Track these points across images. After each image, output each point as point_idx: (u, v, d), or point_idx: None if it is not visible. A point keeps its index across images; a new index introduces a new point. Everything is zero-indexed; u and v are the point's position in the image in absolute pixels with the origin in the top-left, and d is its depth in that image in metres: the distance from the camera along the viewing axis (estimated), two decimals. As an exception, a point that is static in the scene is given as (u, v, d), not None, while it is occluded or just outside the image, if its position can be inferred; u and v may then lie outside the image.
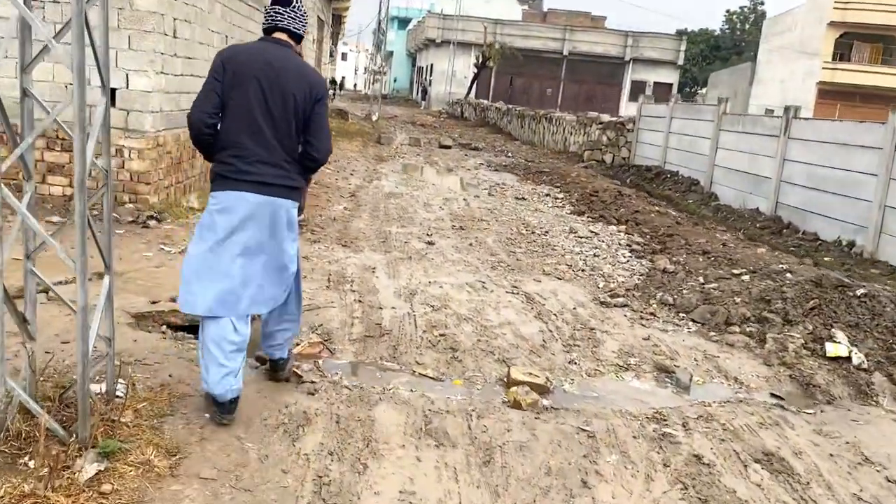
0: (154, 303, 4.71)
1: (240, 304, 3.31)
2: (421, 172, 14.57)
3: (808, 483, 3.34)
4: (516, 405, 3.84)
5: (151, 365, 3.79)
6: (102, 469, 2.81)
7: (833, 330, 5.32)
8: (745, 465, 3.45)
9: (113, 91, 6.78)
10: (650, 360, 4.90)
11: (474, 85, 42.74)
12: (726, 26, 69.52)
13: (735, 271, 6.84)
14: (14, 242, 2.90)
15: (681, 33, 55.71)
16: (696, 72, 63.15)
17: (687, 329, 5.62)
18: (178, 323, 4.59)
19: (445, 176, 14.33)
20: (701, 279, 6.70)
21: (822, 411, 4.29)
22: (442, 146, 20.14)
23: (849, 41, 39.39)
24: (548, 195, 12.44)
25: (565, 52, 47.24)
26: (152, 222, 6.82)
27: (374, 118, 27.01)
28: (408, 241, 7.76)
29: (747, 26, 66.62)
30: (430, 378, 4.23)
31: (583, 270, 7.20)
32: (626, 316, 5.81)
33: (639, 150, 18.15)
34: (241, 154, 3.28)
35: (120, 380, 3.44)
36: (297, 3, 3.52)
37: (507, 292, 6.12)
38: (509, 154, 19.76)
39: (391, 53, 63.04)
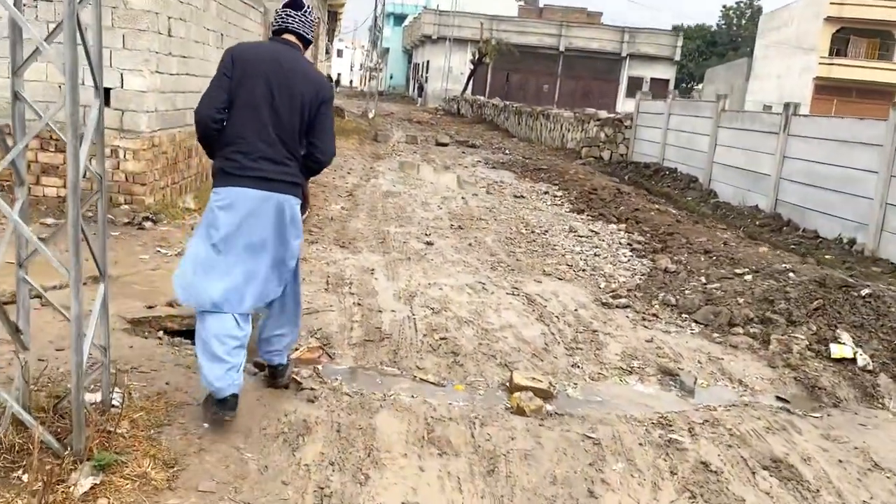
0: (150, 307, 4.63)
1: (244, 300, 3.30)
2: (418, 170, 14.49)
3: (817, 490, 3.28)
4: (520, 411, 3.78)
5: (148, 372, 3.72)
6: (98, 483, 2.74)
7: (837, 331, 5.26)
8: (754, 472, 3.39)
9: (107, 91, 6.69)
10: (654, 362, 4.84)
11: (471, 81, 42.63)
12: (722, 22, 69.47)
13: (737, 271, 6.78)
14: (8, 246, 2.82)
15: (677, 29, 55.69)
16: (693, 67, 63.10)
17: (690, 330, 5.57)
18: (175, 328, 4.52)
19: (443, 174, 14.25)
20: (703, 279, 6.64)
21: (828, 415, 4.23)
22: (439, 143, 20.06)
23: (845, 36, 39.40)
24: (546, 193, 12.38)
25: (562, 48, 47.13)
26: (148, 224, 6.74)
27: (371, 115, 26.92)
28: (406, 242, 7.69)
29: (743, 21, 66.58)
30: (432, 383, 4.17)
31: (583, 270, 7.14)
32: (628, 317, 5.75)
33: (637, 146, 18.08)
34: (245, 150, 3.28)
35: (116, 389, 3.37)
36: (308, 8, 3.56)
37: (507, 294, 6.06)
38: (507, 151, 19.69)
39: (387, 50, 62.89)
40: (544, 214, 10.16)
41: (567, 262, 7.39)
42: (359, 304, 5.34)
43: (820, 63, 38.47)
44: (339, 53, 72.87)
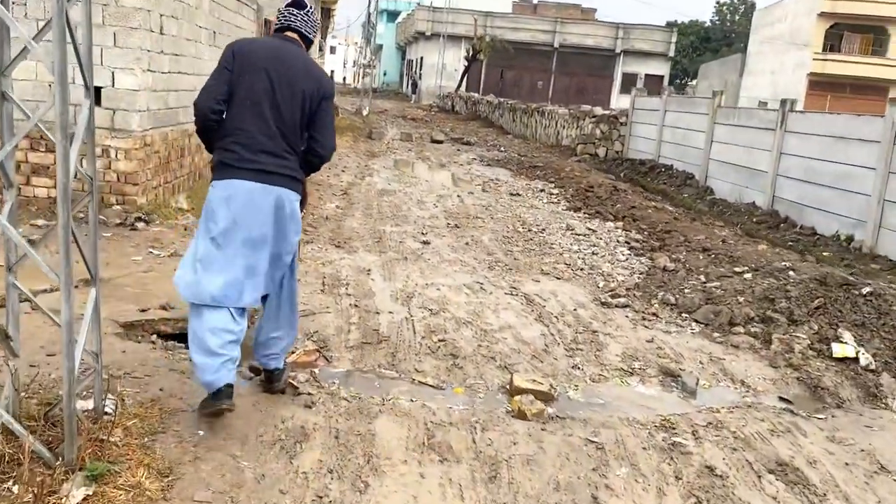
0: (143, 310, 4.55)
1: (243, 295, 3.29)
2: (413, 168, 14.41)
3: (824, 495, 3.23)
4: (521, 415, 3.72)
5: (141, 378, 3.64)
6: (91, 493, 2.67)
7: (839, 330, 5.22)
8: (759, 477, 3.34)
9: (98, 90, 6.59)
10: (655, 363, 4.79)
11: (465, 78, 42.53)
12: (716, 18, 69.50)
13: (737, 269, 6.73)
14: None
15: (671, 25, 55.66)
16: (687, 63, 63.11)
17: (690, 330, 5.51)
18: (169, 331, 4.44)
19: (438, 172, 14.17)
20: (702, 278, 6.59)
21: (833, 416, 4.19)
22: (434, 141, 19.97)
23: (839, 32, 39.44)
24: (542, 191, 12.32)
25: (556, 45, 47.07)
26: (140, 224, 6.65)
27: (365, 112, 26.80)
28: (402, 241, 7.62)
29: (737, 17, 66.62)
30: (431, 386, 4.10)
31: (581, 269, 7.08)
32: (627, 317, 5.70)
33: (632, 143, 18.03)
34: (245, 142, 3.27)
35: (108, 395, 3.29)
36: (310, 8, 3.57)
37: (505, 293, 5.99)
38: (502, 148, 19.63)
39: (380, 47, 62.68)
40: (541, 212, 10.10)
41: (565, 261, 7.33)
42: (356, 306, 5.27)
43: (814, 59, 38.51)
44: (333, 50, 72.60)
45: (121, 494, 2.68)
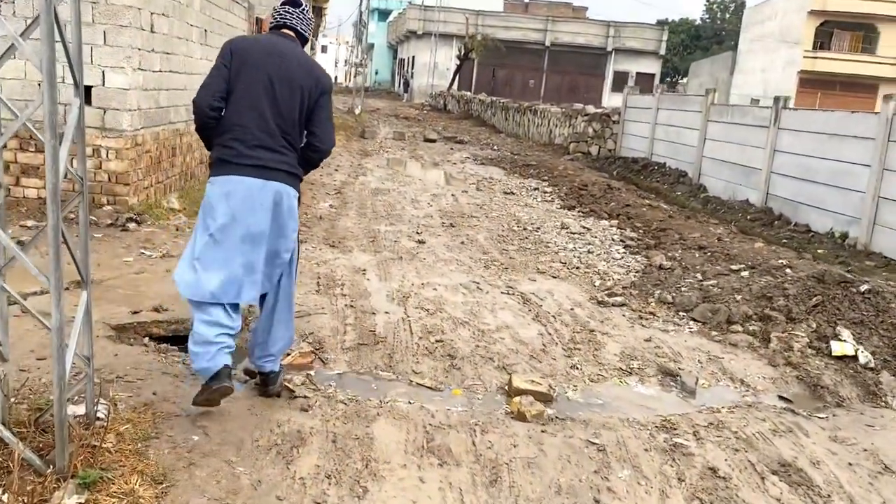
0: (135, 312, 4.48)
1: (242, 292, 3.30)
2: (406, 167, 14.35)
3: (829, 496, 3.20)
4: (520, 417, 3.67)
5: (134, 382, 3.57)
6: (83, 501, 2.61)
7: (838, 328, 5.19)
8: (763, 478, 3.30)
9: (88, 89, 6.50)
10: (653, 362, 4.75)
11: (457, 77, 42.46)
12: (707, 15, 69.63)
13: (733, 267, 6.70)
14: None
15: (662, 23, 55.75)
16: (678, 61, 63.20)
17: (688, 329, 5.48)
18: (162, 334, 4.37)
19: (432, 170, 14.12)
20: (699, 276, 6.56)
21: (833, 415, 4.15)
22: (427, 140, 19.91)
23: (829, 30, 39.57)
24: (536, 189, 12.28)
25: (547, 43, 47.06)
26: (132, 225, 6.56)
27: (357, 111, 26.71)
28: (398, 240, 7.56)
29: (727, 15, 66.76)
30: (429, 388, 4.05)
31: (577, 268, 7.04)
32: (625, 316, 5.66)
33: (625, 141, 18.01)
34: (243, 138, 3.27)
35: (100, 400, 3.22)
36: (305, 6, 3.59)
37: (502, 293, 5.94)
38: (495, 147, 19.58)
39: (372, 46, 62.53)
40: (535, 211, 10.06)
41: (560, 260, 7.28)
42: (351, 306, 5.21)
43: (804, 56, 38.62)
44: (324, 49, 72.40)
45: (114, 502, 2.61)
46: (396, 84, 56.90)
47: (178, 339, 4.28)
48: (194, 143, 8.71)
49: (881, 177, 8.77)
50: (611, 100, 42.25)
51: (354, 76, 34.17)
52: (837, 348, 4.97)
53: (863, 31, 39.56)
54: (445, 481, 3.03)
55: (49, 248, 2.62)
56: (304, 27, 3.54)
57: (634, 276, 6.90)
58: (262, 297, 3.56)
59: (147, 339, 4.27)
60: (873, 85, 38.35)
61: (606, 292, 6.23)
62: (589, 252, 7.73)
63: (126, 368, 3.71)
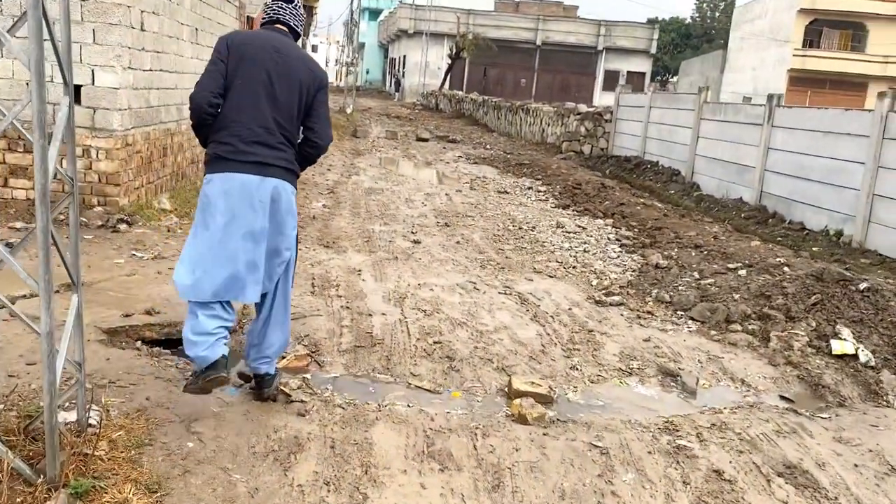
0: (127, 316, 4.39)
1: (245, 290, 3.26)
2: (399, 166, 14.27)
3: (836, 498, 3.15)
4: (522, 419, 3.61)
5: (126, 387, 3.49)
6: (75, 512, 2.53)
7: (837, 326, 5.16)
8: (769, 480, 3.25)
9: (78, 88, 6.41)
10: (653, 362, 4.70)
11: (448, 76, 42.39)
12: (696, 14, 69.78)
13: (730, 266, 6.67)
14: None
15: (652, 22, 55.83)
16: (668, 60, 63.31)
17: (687, 328, 5.43)
18: (154, 337, 4.29)
19: (425, 170, 14.05)
20: (696, 274, 6.52)
21: (836, 415, 4.11)
22: (419, 139, 19.83)
23: (818, 28, 39.73)
24: (530, 188, 12.23)
25: (538, 42, 47.06)
26: (123, 226, 6.47)
27: (349, 111, 26.60)
28: (392, 240, 7.49)
29: (717, 14, 66.91)
30: (427, 391, 3.98)
31: (574, 267, 6.99)
32: (623, 315, 5.61)
33: (617, 140, 18.00)
34: (241, 134, 3.22)
35: (92, 406, 3.14)
36: (297, 1, 3.55)
37: (499, 293, 5.88)
38: (487, 146, 19.53)
39: (363, 45, 62.42)
40: (530, 210, 10.00)
41: (557, 259, 7.23)
42: (347, 308, 5.13)
43: (794, 55, 38.76)
44: (314, 49, 72.17)
45: (107, 512, 2.54)
46: (387, 83, 56.77)
47: (171, 343, 4.20)
48: (185, 143, 8.61)
49: (876, 174, 8.77)
50: (602, 98, 42.31)
51: (346, 75, 34.02)
52: (838, 347, 4.94)
53: (852, 30, 39.74)
54: (447, 487, 2.97)
55: (38, 250, 2.54)
56: (296, 22, 3.51)
57: (631, 275, 6.86)
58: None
59: (139, 342, 4.18)
60: (862, 83, 38.54)
61: (604, 292, 6.18)
62: (585, 251, 7.69)
63: (118, 373, 3.63)
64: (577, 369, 4.46)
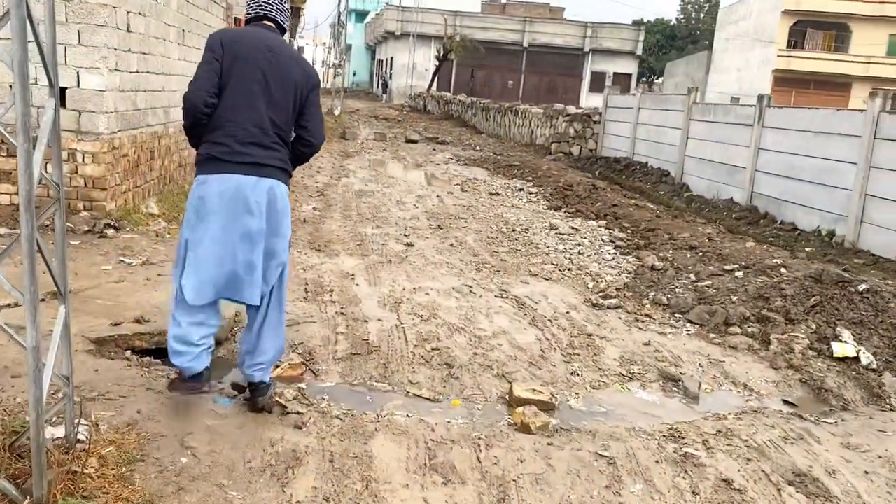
0: (116, 325, 4.25)
1: (243, 290, 3.23)
2: (390, 168, 14.16)
3: (848, 507, 3.08)
4: (524, 428, 3.52)
5: (116, 400, 3.37)
6: (64, 534, 2.41)
7: (837, 328, 5.11)
8: (779, 489, 3.18)
9: (63, 90, 6.25)
10: (654, 367, 4.63)
11: (436, 78, 42.31)
12: (681, 15, 70.10)
13: (727, 267, 6.62)
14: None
15: (637, 23, 56.00)
16: (653, 61, 63.55)
17: (686, 331, 5.37)
18: (144, 347, 4.16)
19: (415, 171, 13.95)
20: (692, 276, 6.46)
21: (842, 420, 4.05)
22: (408, 140, 19.72)
23: (802, 29, 40.01)
24: (521, 190, 12.16)
25: (525, 44, 47.08)
26: (110, 231, 6.32)
27: (337, 112, 26.45)
28: (385, 243, 7.39)
29: (702, 15, 67.25)
30: (427, 399, 3.89)
31: (569, 270, 6.91)
32: (620, 319, 5.53)
33: (606, 141, 17.98)
34: (236, 134, 3.16)
35: (81, 421, 3.02)
36: None
37: (495, 297, 5.80)
38: (477, 148, 19.46)
39: (350, 47, 62.23)
40: (522, 212, 9.93)
41: (552, 262, 7.15)
42: (342, 314, 5.03)
43: (778, 55, 39.01)
44: (301, 51, 71.89)
45: (98, 534, 2.42)
46: (375, 85, 56.62)
47: (162, 352, 4.05)
48: (173, 146, 8.47)
49: (868, 174, 8.76)
50: (588, 100, 42.37)
51: (334, 77, 33.85)
52: (839, 350, 4.89)
53: (835, 30, 40.05)
54: (451, 501, 2.87)
55: (23, 259, 2.42)
56: (283, 18, 3.45)
57: (627, 277, 6.79)
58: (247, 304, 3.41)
59: (129, 352, 4.05)
60: (846, 83, 38.86)
61: (600, 294, 6.11)
62: (579, 253, 7.61)
63: (107, 385, 3.51)
64: (577, 375, 4.38)
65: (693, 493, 3.10)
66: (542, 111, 20.53)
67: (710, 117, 13.01)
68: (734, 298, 5.76)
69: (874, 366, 4.74)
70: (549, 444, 3.38)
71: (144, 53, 7.26)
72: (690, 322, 5.54)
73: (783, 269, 6.18)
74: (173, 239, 5.88)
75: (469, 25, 45.37)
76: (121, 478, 2.74)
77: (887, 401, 4.40)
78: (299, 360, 4.17)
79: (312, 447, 3.15)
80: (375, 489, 2.90)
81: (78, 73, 6.34)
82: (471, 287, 5.98)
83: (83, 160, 6.47)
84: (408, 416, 3.60)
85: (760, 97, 11.50)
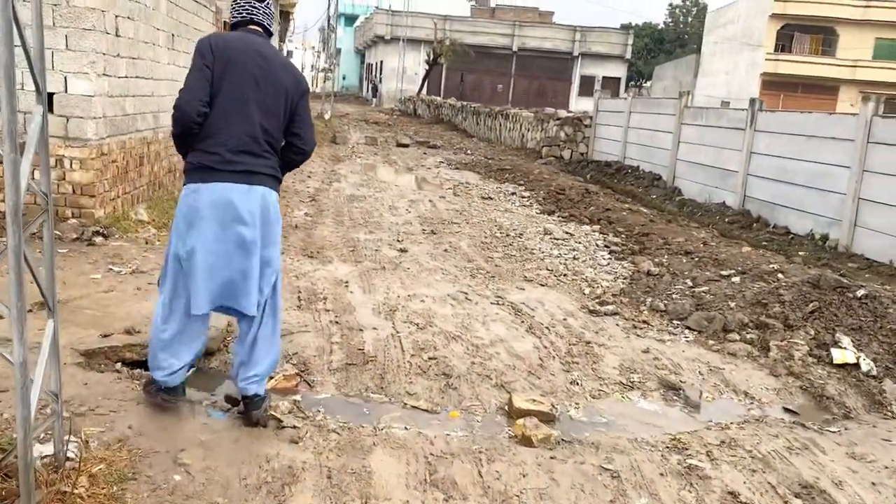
0: (106, 336, 4.15)
1: (240, 298, 3.21)
2: (381, 172, 14.08)
3: (857, 519, 3.03)
4: (526, 441, 3.44)
5: (107, 415, 3.27)
6: (53, 558, 2.32)
7: (837, 335, 5.07)
8: (786, 502, 3.12)
9: (50, 96, 6.14)
10: (653, 375, 4.57)
11: (426, 82, 42.28)
12: (669, 20, 70.38)
13: (723, 272, 6.58)
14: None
15: (626, 27, 56.20)
16: (642, 65, 63.75)
17: (684, 338, 5.32)
18: (135, 358, 4.05)
19: (407, 176, 13.87)
20: (689, 282, 6.42)
21: (846, 429, 4.00)
22: (399, 145, 19.66)
23: (790, 32, 40.26)
24: (513, 194, 12.10)
25: (515, 48, 47.16)
26: (99, 239, 6.21)
27: (327, 116, 26.35)
28: (378, 249, 7.30)
29: (690, 19, 67.55)
30: (424, 411, 3.80)
31: (564, 275, 6.85)
32: (618, 325, 5.48)
33: (597, 145, 17.98)
34: (228, 143, 3.11)
35: (71, 437, 2.92)
36: (268, 0, 3.42)
37: (491, 303, 5.72)
38: (468, 151, 19.41)
39: (339, 51, 62.12)
40: (516, 216, 9.87)
41: (547, 267, 7.09)
42: (336, 322, 4.94)
43: (766, 59, 39.22)
44: (290, 55, 71.66)
45: (88, 558, 2.33)
46: (364, 89, 56.55)
47: (153, 364, 3.97)
48: (162, 152, 8.36)
49: (861, 178, 8.76)
50: (578, 104, 42.47)
51: (324, 81, 33.75)
52: (838, 356, 4.85)
53: (822, 34, 40.30)
54: (453, 518, 2.79)
55: (9, 272, 2.33)
56: (269, 22, 3.40)
57: (623, 282, 6.74)
58: (243, 314, 3.33)
59: (119, 364, 3.94)
60: (834, 87, 39.12)
61: (597, 300, 6.05)
62: (574, 258, 7.56)
63: (97, 399, 3.41)
64: (577, 384, 4.31)
65: (699, 506, 3.04)
66: (532, 115, 20.52)
67: (702, 121, 13.01)
68: (732, 304, 5.71)
69: (874, 372, 4.70)
70: (551, 458, 3.31)
71: (133, 58, 7.16)
72: (689, 328, 5.49)
73: (780, 275, 6.15)
74: (163, 246, 5.76)
75: (459, 29, 45.39)
76: (112, 497, 2.66)
77: (889, 408, 4.36)
78: (294, 371, 4.08)
79: (309, 463, 3.06)
80: (375, 506, 2.81)
81: (66, 77, 6.23)
82: (466, 294, 5.91)
83: (71, 167, 6.36)
84: (406, 428, 3.52)
85: (752, 101, 11.51)
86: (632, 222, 9.45)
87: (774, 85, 38.93)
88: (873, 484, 3.34)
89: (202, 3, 9.76)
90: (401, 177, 13.70)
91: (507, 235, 8.46)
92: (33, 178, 2.55)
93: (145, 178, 7.89)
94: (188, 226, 3.14)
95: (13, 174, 2.29)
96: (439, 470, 3.11)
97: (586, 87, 45.48)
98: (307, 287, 5.74)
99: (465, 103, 29.04)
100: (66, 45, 6.19)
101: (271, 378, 3.86)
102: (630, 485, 3.15)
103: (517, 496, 2.97)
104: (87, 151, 6.35)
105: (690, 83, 45.05)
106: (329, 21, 32.29)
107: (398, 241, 7.76)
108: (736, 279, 6.29)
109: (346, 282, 5.99)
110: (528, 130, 20.50)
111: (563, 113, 19.95)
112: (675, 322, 5.62)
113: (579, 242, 8.34)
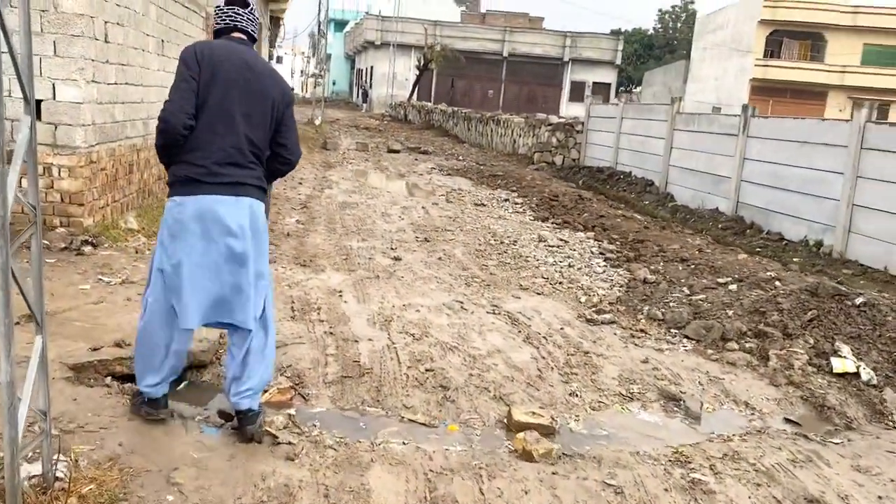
0: (95, 349, 4.04)
1: (235, 312, 3.16)
2: (373, 179, 14.00)
3: (865, 535, 2.98)
4: (527, 456, 3.38)
5: (97, 432, 3.18)
6: (41, 586, 2.23)
7: (836, 343, 5.03)
8: (793, 517, 3.07)
9: (38, 103, 6.03)
10: (653, 386, 4.51)
11: (416, 87, 42.26)
12: (659, 25, 70.70)
13: (720, 280, 6.54)
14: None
15: (616, 33, 56.41)
16: (631, 71, 63.98)
17: (683, 347, 5.27)
18: (125, 372, 3.95)
19: (399, 182, 13.80)
20: (686, 290, 6.37)
21: (849, 440, 3.96)
22: (390, 150, 19.58)
23: (779, 38, 40.51)
24: (507, 200, 12.05)
25: (505, 54, 47.24)
26: (87, 248, 6.10)
27: (318, 122, 26.24)
28: (372, 257, 7.23)
29: (679, 25, 67.88)
30: (422, 424, 3.73)
31: (560, 283, 6.80)
32: (616, 334, 5.42)
33: (589, 151, 17.96)
34: (214, 155, 3.06)
35: (60, 456, 2.83)
36: (253, 6, 3.37)
37: (487, 313, 5.66)
38: (460, 157, 19.36)
39: (329, 56, 62.03)
40: (510, 223, 9.82)
41: (542, 275, 7.03)
42: (331, 333, 4.86)
43: (755, 65, 39.45)
44: (280, 60, 71.48)
45: (78, 585, 2.24)
46: (354, 94, 56.45)
47: (144, 378, 3.88)
48: (152, 159, 8.25)
49: (855, 184, 8.76)
50: (568, 109, 42.57)
51: (314, 87, 33.65)
52: (838, 365, 4.81)
53: (811, 40, 40.57)
54: (455, 537, 2.72)
55: (-4, 289, 2.24)
56: (253, 28, 3.37)
57: (619, 290, 6.69)
58: (234, 326, 3.25)
59: (109, 378, 3.84)
60: (822, 92, 39.39)
61: (594, 309, 6.00)
62: (570, 266, 7.51)
63: (87, 415, 3.31)
64: (576, 395, 4.25)
65: (705, 523, 2.98)
66: (524, 121, 20.50)
67: (694, 127, 13.02)
68: (730, 313, 5.67)
69: (875, 381, 4.66)
70: (553, 473, 3.24)
71: (123, 64, 7.06)
72: (687, 337, 5.44)
73: (777, 282, 6.11)
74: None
75: (449, 35, 45.42)
76: (103, 519, 2.56)
77: (890, 418, 4.32)
78: (288, 384, 4.00)
79: (306, 481, 2.98)
80: (375, 526, 2.74)
81: (54, 84, 6.13)
82: (462, 303, 5.84)
83: (59, 174, 6.25)
84: (404, 443, 3.45)
85: (745, 107, 11.52)
86: (626, 229, 9.42)
87: (763, 90, 39.15)
88: (880, 498, 3.29)
89: (192, 8, 9.67)
90: (393, 183, 13.62)
91: (502, 243, 8.40)
92: (20, 188, 2.47)
93: (135, 185, 7.79)
94: (173, 239, 3.09)
95: (0, 187, 2.21)
96: (439, 487, 3.04)
97: (577, 92, 45.63)
98: (300, 297, 5.66)
99: (456, 109, 29.02)
100: (55, 52, 6.09)
101: (265, 392, 3.78)
102: (634, 501, 3.09)
103: (520, 514, 2.90)
104: (75, 159, 6.25)
105: (680, 89, 45.21)
106: (319, 26, 32.21)
107: (391, 248, 7.68)
108: (733, 287, 6.26)
109: (340, 291, 5.91)
110: (520, 136, 20.48)
111: (554, 118, 19.95)
112: (672, 331, 5.57)
113: (574, 250, 8.30)
